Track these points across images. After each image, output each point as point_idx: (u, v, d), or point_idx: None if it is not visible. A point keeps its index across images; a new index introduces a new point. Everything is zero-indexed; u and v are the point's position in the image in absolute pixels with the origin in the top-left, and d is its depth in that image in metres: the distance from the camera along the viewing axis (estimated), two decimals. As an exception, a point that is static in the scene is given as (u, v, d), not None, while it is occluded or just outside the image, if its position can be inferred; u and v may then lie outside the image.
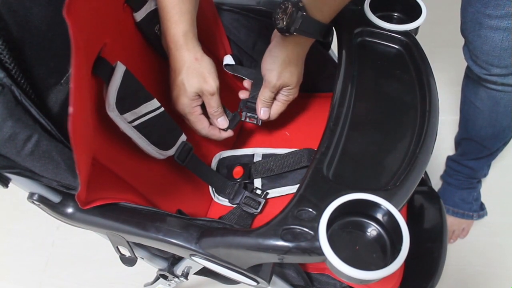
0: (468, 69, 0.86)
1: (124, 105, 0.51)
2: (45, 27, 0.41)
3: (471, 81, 0.87)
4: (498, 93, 0.82)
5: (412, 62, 0.57)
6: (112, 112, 0.50)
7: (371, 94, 0.54)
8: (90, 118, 0.47)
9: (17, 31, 0.39)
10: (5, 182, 0.45)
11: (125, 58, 0.53)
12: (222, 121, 0.66)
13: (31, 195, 0.49)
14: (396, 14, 0.63)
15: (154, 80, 0.64)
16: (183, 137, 0.62)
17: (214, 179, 0.70)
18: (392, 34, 0.59)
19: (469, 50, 0.78)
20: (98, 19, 0.48)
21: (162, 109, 0.57)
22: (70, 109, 0.35)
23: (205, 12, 0.69)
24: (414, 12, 0.61)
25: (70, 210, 0.49)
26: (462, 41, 0.79)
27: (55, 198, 0.49)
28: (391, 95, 0.54)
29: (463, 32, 0.77)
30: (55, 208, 0.49)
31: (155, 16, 0.60)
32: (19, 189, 0.48)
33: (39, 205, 0.49)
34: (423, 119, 0.50)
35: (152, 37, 0.61)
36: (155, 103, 0.56)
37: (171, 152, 0.60)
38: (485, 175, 1.10)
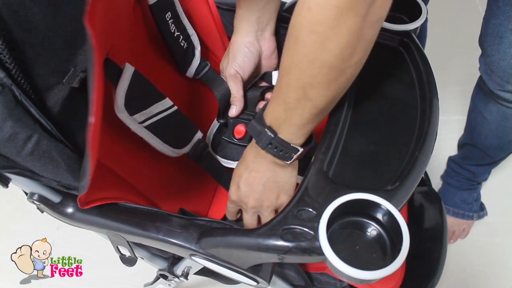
0: (480, 79, 0.85)
1: (133, 106, 0.51)
2: (45, 27, 0.41)
3: (482, 92, 0.86)
4: (508, 110, 0.82)
5: (412, 62, 0.57)
6: (122, 113, 0.50)
7: (371, 94, 0.54)
8: None
9: (17, 31, 0.39)
10: (5, 182, 0.45)
11: (134, 59, 0.53)
12: (231, 109, 0.66)
13: (31, 195, 0.49)
14: (396, 14, 0.63)
15: (165, 79, 0.64)
16: (199, 135, 0.62)
17: (225, 178, 0.69)
18: (392, 34, 0.59)
19: (485, 62, 0.77)
20: (108, 21, 0.48)
21: (175, 107, 0.57)
22: (92, 119, 0.35)
23: (205, 12, 0.69)
24: (414, 12, 0.60)
25: (70, 210, 0.49)
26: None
27: (55, 198, 0.49)
28: (391, 95, 0.54)
29: (482, 43, 0.76)
30: (55, 208, 0.49)
31: (168, 2, 0.60)
32: (19, 189, 0.48)
33: (39, 205, 0.49)
34: (423, 119, 0.50)
35: (162, 24, 0.61)
36: (167, 102, 0.56)
37: (186, 150, 0.60)
38: (485, 179, 1.10)
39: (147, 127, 0.53)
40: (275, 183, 0.52)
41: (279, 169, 0.51)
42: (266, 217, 0.55)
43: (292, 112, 0.45)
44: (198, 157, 0.63)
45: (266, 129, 0.47)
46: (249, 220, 0.56)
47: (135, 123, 0.52)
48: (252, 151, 0.52)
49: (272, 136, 0.47)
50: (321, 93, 0.42)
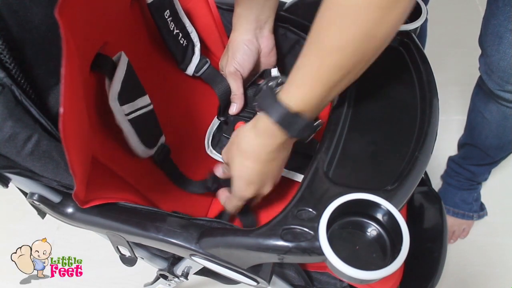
0: (480, 79, 0.85)
1: (124, 96, 0.51)
2: (45, 27, 0.41)
3: (482, 92, 0.86)
4: (508, 110, 0.82)
5: (412, 62, 0.57)
6: (114, 102, 0.50)
7: (371, 94, 0.54)
8: (88, 116, 0.47)
9: (17, 31, 0.39)
10: (5, 182, 0.45)
11: (132, 57, 0.54)
12: (232, 107, 0.66)
13: (31, 195, 0.49)
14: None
15: (165, 78, 0.65)
16: (163, 139, 0.62)
17: (186, 183, 0.67)
18: (392, 34, 0.59)
19: (485, 62, 0.77)
20: (99, 19, 0.48)
21: (151, 106, 0.58)
22: (61, 110, 0.35)
23: (205, 12, 0.69)
24: (414, 12, 0.60)
25: (70, 210, 0.49)
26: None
27: (55, 198, 0.49)
28: (391, 95, 0.54)
29: (482, 43, 0.76)
30: (55, 208, 0.49)
31: (166, 0, 0.61)
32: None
33: (39, 205, 0.49)
34: (423, 119, 0.50)
35: (161, 22, 0.61)
36: (147, 99, 0.57)
37: (152, 151, 0.60)
38: (485, 179, 1.10)
39: (130, 121, 0.53)
40: (287, 158, 0.53)
41: (292, 143, 0.51)
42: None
43: (331, 91, 0.44)
44: (161, 161, 0.62)
45: (299, 117, 0.45)
46: (258, 200, 0.58)
47: (122, 114, 0.52)
48: (270, 142, 0.49)
49: (306, 121, 0.46)
50: (364, 66, 0.42)
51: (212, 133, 0.71)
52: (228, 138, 0.68)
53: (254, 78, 0.68)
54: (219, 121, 0.71)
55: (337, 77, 0.42)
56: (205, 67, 0.68)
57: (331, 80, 0.42)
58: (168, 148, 0.63)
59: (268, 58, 0.67)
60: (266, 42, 0.65)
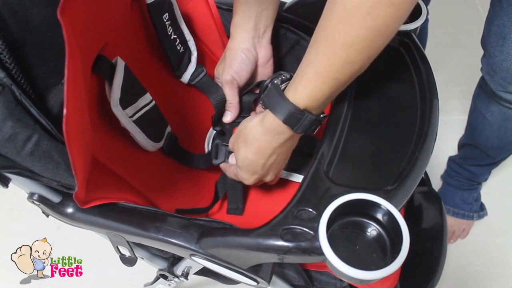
0: (482, 80, 0.85)
1: (125, 100, 0.52)
2: (45, 27, 0.41)
3: (484, 92, 0.86)
4: (510, 111, 0.81)
5: (412, 62, 0.57)
6: (116, 107, 0.51)
7: (371, 94, 0.54)
8: (89, 117, 0.47)
9: (17, 31, 0.39)
10: (5, 182, 0.45)
11: (124, 55, 0.54)
12: (226, 115, 0.66)
13: (31, 195, 0.49)
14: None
15: (160, 83, 0.65)
16: (169, 129, 0.64)
17: (201, 163, 0.69)
18: (392, 34, 0.59)
19: (487, 63, 0.77)
20: (100, 19, 0.48)
21: (154, 102, 0.58)
22: (64, 111, 0.35)
23: (205, 12, 0.69)
24: (414, 12, 0.60)
25: (70, 210, 0.49)
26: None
27: (55, 198, 0.49)
28: (391, 95, 0.54)
29: (484, 44, 0.76)
30: (55, 208, 0.49)
31: (166, 3, 0.61)
32: (19, 189, 0.48)
33: (39, 205, 0.49)
34: (423, 119, 0.50)
35: (159, 25, 0.61)
36: (148, 96, 0.57)
37: (161, 144, 0.62)
38: (485, 179, 1.10)
39: (135, 121, 0.54)
40: (292, 149, 0.55)
41: (299, 137, 0.52)
42: None
43: (340, 86, 0.44)
44: (171, 150, 0.64)
45: (306, 113, 0.46)
46: (261, 183, 0.60)
47: (126, 118, 0.53)
48: (277, 139, 0.50)
49: (314, 117, 0.47)
50: (372, 59, 0.43)
51: (210, 143, 0.71)
52: (227, 146, 0.68)
53: (250, 87, 0.68)
54: (215, 131, 0.71)
55: (346, 73, 0.43)
56: (200, 76, 0.68)
57: (340, 76, 0.43)
58: (175, 136, 0.65)
59: (265, 69, 0.67)
60: (264, 52, 0.65)
